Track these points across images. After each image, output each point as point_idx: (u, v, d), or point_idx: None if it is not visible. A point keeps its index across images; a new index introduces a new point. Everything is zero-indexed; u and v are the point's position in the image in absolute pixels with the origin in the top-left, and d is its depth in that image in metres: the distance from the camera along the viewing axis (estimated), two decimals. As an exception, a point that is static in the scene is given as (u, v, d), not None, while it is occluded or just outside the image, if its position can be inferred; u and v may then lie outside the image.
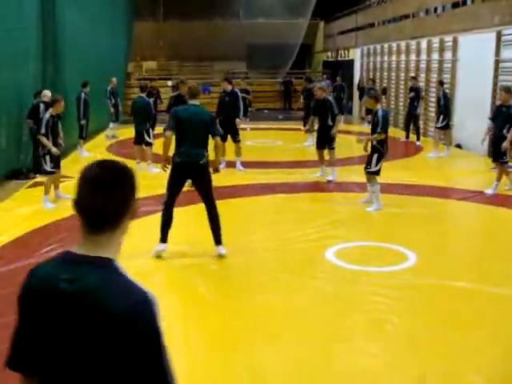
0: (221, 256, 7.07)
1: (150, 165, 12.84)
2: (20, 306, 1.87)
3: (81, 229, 1.84)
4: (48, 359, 1.82)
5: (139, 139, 13.20)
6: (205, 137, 7.07)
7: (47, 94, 11.87)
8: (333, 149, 11.88)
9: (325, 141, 11.80)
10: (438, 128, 15.19)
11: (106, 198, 1.80)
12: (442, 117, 14.96)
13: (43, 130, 9.51)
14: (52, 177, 9.86)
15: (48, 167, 9.73)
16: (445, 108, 14.87)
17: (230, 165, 12.77)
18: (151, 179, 10.63)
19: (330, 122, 11.69)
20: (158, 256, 7.13)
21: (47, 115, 9.62)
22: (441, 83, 15.43)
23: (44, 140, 9.53)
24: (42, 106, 11.47)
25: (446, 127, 15.17)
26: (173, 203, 7.13)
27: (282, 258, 7.33)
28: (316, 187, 11.49)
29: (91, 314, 1.74)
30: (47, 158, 9.67)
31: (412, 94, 16.85)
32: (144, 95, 13.29)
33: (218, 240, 7.10)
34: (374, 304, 5.96)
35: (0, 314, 4.92)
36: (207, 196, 7.06)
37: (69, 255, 1.84)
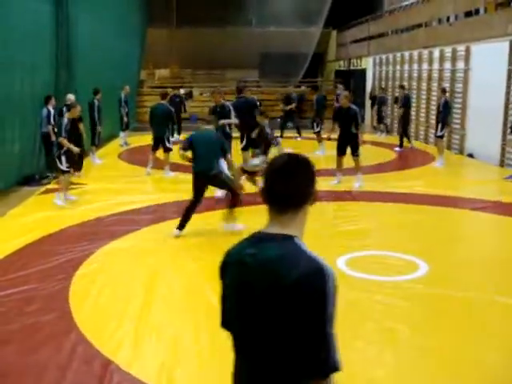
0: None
1: (166, 169, 13.23)
2: (220, 278, 2.25)
3: (268, 211, 2.15)
4: (238, 319, 2.15)
5: (157, 145, 13.42)
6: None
7: (71, 97, 12.65)
8: (357, 156, 12.07)
9: (347, 148, 12.02)
10: (438, 137, 15.14)
11: (291, 185, 2.11)
12: (440, 125, 14.87)
13: (64, 134, 10.11)
14: (68, 175, 10.55)
15: (64, 166, 10.29)
16: (444, 116, 14.77)
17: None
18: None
19: (354, 130, 11.83)
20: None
21: (65, 120, 10.28)
22: (443, 91, 15.34)
23: (65, 142, 10.10)
24: (64, 109, 11.86)
25: (443, 136, 15.15)
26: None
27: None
28: (328, 195, 11.47)
29: (268, 280, 2.02)
30: (63, 158, 10.23)
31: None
32: (165, 102, 13.46)
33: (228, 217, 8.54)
34: (384, 313, 5.93)
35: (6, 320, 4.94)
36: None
37: (256, 234, 2.17)
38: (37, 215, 9.60)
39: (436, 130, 15.25)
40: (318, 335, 1.97)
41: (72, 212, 9.77)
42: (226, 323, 2.26)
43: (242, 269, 2.12)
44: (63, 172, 10.43)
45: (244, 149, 12.53)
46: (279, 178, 2.12)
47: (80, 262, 7.32)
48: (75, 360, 4.87)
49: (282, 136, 15.86)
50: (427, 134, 19.62)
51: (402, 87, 19.10)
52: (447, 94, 15.71)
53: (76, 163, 11.38)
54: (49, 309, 5.90)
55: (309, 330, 1.96)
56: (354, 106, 12.09)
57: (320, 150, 16.62)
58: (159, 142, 13.38)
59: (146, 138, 20.09)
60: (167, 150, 13.33)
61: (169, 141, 13.43)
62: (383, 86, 23.29)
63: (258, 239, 2.13)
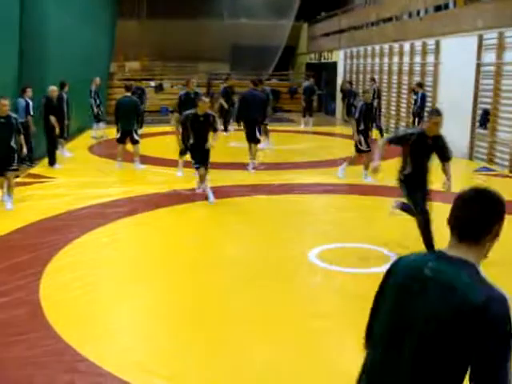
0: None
1: (136, 162, 13.23)
2: (386, 278, 2.38)
3: (450, 236, 2.24)
4: (393, 329, 2.21)
5: (124, 138, 13.31)
6: None
7: (54, 88, 13.15)
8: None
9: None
10: None
11: (473, 214, 2.19)
12: (417, 119, 15.10)
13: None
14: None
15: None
16: (421, 110, 15.05)
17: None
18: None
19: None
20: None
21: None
22: (420, 85, 15.55)
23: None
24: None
25: None
26: None
27: (263, 258, 7.32)
28: (304, 187, 11.50)
29: (445, 297, 2.07)
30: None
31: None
32: (130, 94, 13.40)
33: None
34: (359, 305, 5.96)
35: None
36: None
37: (439, 252, 2.24)
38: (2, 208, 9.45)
39: (413, 124, 15.43)
40: (491, 364, 1.96)
41: (41, 205, 9.64)
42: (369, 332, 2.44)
43: (419, 279, 2.18)
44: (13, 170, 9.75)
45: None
46: (463, 207, 2.22)
47: (51, 255, 7.22)
48: (46, 355, 4.81)
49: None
50: (398, 126, 19.77)
51: (372, 80, 19.32)
52: (426, 88, 15.93)
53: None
54: (19, 304, 5.81)
55: (485, 361, 1.96)
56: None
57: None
58: (127, 134, 13.32)
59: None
60: (135, 142, 13.32)
61: (137, 133, 13.41)
62: (350, 80, 23.39)
63: (438, 257, 2.21)
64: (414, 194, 7.33)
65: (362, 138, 12.05)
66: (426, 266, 2.18)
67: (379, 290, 2.39)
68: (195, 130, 9.92)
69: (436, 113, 7.27)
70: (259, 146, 13.63)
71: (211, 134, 10.02)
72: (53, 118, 12.94)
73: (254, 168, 12.95)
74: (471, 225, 2.19)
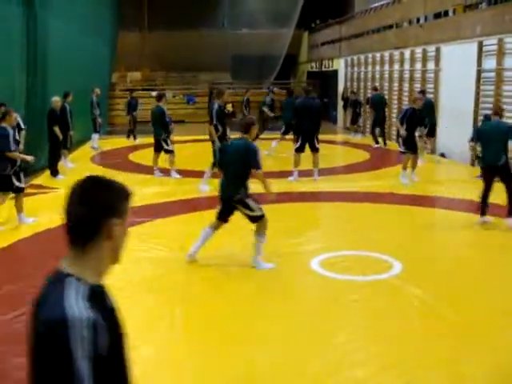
0: None
1: (172, 171, 13.24)
2: None
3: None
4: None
5: (157, 147, 13.46)
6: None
7: (56, 99, 13.07)
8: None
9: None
10: (419, 137, 15.40)
11: (74, 213, 1.85)
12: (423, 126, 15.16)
13: (13, 147, 8.83)
14: (23, 195, 9.33)
15: (22, 184, 9.22)
16: (427, 116, 15.06)
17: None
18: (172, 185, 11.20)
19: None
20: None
21: (11, 131, 8.91)
22: (423, 92, 15.60)
23: (16, 155, 8.97)
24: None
25: (428, 134, 15.37)
26: None
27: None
28: (301, 196, 11.51)
29: (36, 323, 1.82)
30: (21, 174, 9.15)
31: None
32: (161, 104, 13.45)
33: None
34: (360, 312, 5.97)
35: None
36: None
37: (57, 271, 1.92)
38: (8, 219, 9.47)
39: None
40: None
41: (44, 216, 9.64)
42: None
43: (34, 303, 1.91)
44: (19, 190, 9.14)
45: (297, 150, 12.89)
46: (68, 202, 1.86)
47: (54, 265, 7.20)
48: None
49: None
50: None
51: (375, 89, 19.53)
52: (431, 96, 15.99)
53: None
54: (24, 315, 5.81)
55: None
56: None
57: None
58: (156, 143, 13.46)
59: (118, 142, 20.07)
60: (166, 152, 13.33)
61: (166, 142, 13.33)
62: (355, 90, 23.52)
63: (53, 277, 1.93)
64: None
65: (401, 140, 12.70)
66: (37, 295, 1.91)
67: None
68: None
69: None
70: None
71: None
72: (57, 129, 13.00)
73: (318, 176, 12.92)
74: (75, 224, 1.86)
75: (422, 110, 12.80)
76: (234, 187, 6.91)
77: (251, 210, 6.95)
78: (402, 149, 12.75)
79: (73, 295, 1.79)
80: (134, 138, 20.26)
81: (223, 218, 7.21)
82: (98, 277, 1.90)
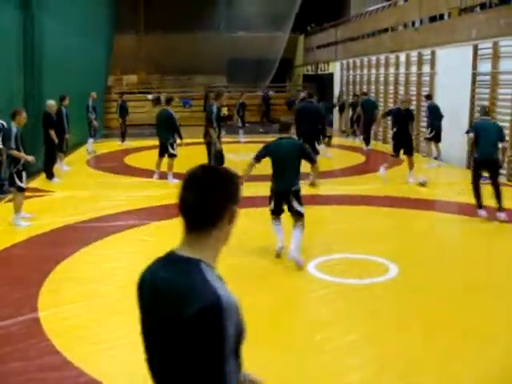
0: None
1: (169, 175, 13.07)
2: (138, 298, 2.05)
3: (182, 227, 1.95)
4: (146, 344, 2.00)
5: (162, 151, 13.37)
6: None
7: (52, 103, 13.01)
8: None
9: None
10: (426, 139, 15.64)
11: (200, 197, 1.90)
12: (429, 128, 15.23)
13: (13, 145, 9.03)
14: (24, 194, 9.47)
15: (23, 184, 9.30)
16: (433, 120, 15.14)
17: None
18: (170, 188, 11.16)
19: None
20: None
21: (14, 129, 9.12)
22: (429, 97, 15.67)
23: (15, 153, 9.08)
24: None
25: (433, 139, 15.35)
26: None
27: (265, 267, 7.31)
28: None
29: (169, 312, 1.86)
30: (23, 174, 9.26)
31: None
32: (168, 108, 13.39)
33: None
34: (357, 315, 5.97)
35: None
36: None
37: (169, 254, 1.97)
38: (2, 223, 9.44)
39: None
40: (214, 375, 1.82)
41: (39, 219, 9.63)
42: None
43: (151, 292, 1.95)
44: (20, 190, 9.26)
45: None
46: (190, 189, 1.93)
47: (50, 269, 7.21)
48: (44, 370, 4.79)
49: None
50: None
51: (364, 94, 20.08)
52: (433, 99, 16.02)
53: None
54: (17, 318, 5.80)
55: (204, 369, 1.81)
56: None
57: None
58: (162, 147, 13.35)
59: (114, 145, 20.05)
60: (170, 156, 13.24)
61: (172, 146, 13.24)
62: (358, 93, 23.53)
63: (169, 261, 1.96)
64: None
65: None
66: (158, 278, 1.94)
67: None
68: None
69: None
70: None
71: None
72: (52, 132, 12.97)
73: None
74: (201, 209, 1.90)
75: (408, 110, 13.00)
76: (292, 180, 7.50)
77: (300, 204, 7.51)
78: (392, 153, 13.03)
79: (215, 280, 1.88)
80: (123, 140, 20.33)
81: (278, 210, 7.71)
82: (215, 261, 1.98)
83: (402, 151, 12.88)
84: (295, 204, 7.47)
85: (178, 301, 1.84)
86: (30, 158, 9.32)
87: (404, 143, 12.74)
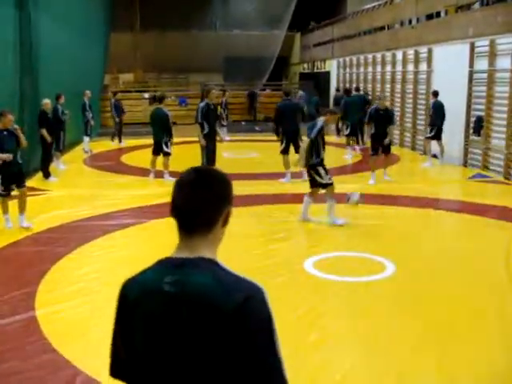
0: None
1: (166, 174, 13.07)
2: (121, 314, 1.91)
3: (177, 232, 1.90)
4: (154, 366, 1.83)
5: (156, 149, 13.37)
6: None
7: (47, 101, 12.96)
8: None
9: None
10: (427, 138, 15.53)
11: (199, 200, 1.87)
12: (430, 127, 15.14)
13: None
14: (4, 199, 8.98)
15: (24, 183, 9.08)
16: (436, 118, 14.97)
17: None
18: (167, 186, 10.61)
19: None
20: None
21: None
22: (435, 94, 15.31)
23: None
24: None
25: (434, 138, 15.18)
26: None
27: (261, 267, 7.30)
28: (294, 198, 11.50)
29: (200, 312, 1.76)
30: None
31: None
32: (162, 106, 13.38)
33: None
34: (354, 313, 5.96)
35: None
36: None
37: (168, 260, 1.88)
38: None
39: (430, 132, 15.32)
40: (265, 367, 1.76)
41: (36, 218, 9.60)
42: (120, 371, 1.92)
43: (161, 300, 1.82)
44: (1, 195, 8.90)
45: (283, 152, 12.94)
46: (183, 193, 1.89)
47: (47, 268, 7.20)
48: (42, 369, 4.78)
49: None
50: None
51: (357, 89, 20.10)
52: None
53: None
54: (14, 317, 5.78)
55: (255, 363, 1.74)
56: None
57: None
58: (156, 145, 13.35)
59: (110, 144, 19.99)
60: (165, 155, 13.23)
61: (167, 145, 13.25)
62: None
63: (173, 265, 1.85)
64: None
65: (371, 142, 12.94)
66: (165, 283, 1.81)
67: (116, 321, 1.93)
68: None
69: None
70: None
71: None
72: (44, 132, 12.87)
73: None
74: (200, 212, 1.88)
75: (387, 110, 12.98)
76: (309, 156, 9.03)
77: (321, 177, 9.07)
78: (371, 152, 12.91)
79: (236, 274, 1.87)
80: (113, 139, 20.29)
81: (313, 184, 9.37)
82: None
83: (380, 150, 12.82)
84: (317, 177, 9.11)
85: (212, 298, 1.77)
86: (5, 156, 8.66)
87: (382, 144, 12.64)
